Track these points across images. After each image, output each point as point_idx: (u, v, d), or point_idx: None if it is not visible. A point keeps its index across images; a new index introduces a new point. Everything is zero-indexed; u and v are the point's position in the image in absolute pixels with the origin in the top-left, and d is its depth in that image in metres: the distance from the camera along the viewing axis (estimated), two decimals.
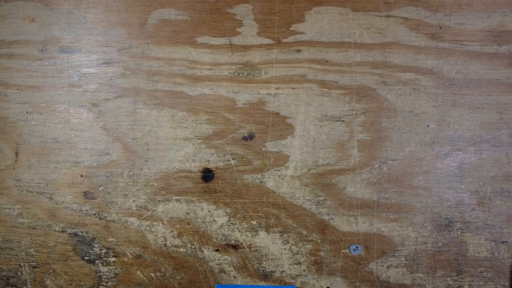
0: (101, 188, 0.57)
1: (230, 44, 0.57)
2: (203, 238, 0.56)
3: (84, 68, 0.58)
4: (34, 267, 0.57)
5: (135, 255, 0.56)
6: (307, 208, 0.56)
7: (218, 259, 0.56)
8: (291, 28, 0.57)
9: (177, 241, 0.56)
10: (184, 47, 0.57)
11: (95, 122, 0.57)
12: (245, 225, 0.56)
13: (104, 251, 0.56)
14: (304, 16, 0.57)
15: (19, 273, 0.57)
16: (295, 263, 0.56)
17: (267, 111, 0.56)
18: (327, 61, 0.56)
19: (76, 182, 0.57)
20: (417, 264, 0.55)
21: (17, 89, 0.58)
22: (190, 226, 0.56)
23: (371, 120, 0.56)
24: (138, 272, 0.56)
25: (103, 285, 0.56)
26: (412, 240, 0.55)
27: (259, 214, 0.56)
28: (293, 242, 0.56)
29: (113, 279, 0.56)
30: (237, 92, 0.57)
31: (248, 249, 0.56)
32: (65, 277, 0.57)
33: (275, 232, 0.56)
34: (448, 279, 0.55)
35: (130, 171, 0.57)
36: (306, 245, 0.56)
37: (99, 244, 0.56)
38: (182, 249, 0.56)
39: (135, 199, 0.56)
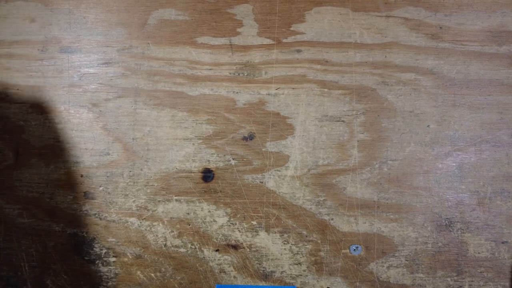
0: (101, 188, 0.57)
1: (230, 44, 0.57)
2: (203, 238, 0.56)
3: (84, 68, 0.58)
4: (34, 267, 0.57)
5: (135, 255, 0.56)
6: (307, 208, 0.56)
7: (218, 259, 0.56)
8: (291, 28, 0.57)
9: (177, 241, 0.56)
10: (184, 47, 0.57)
11: (95, 122, 0.57)
12: (245, 225, 0.56)
13: (104, 251, 0.56)
14: (304, 16, 0.57)
15: (19, 273, 0.57)
16: (295, 263, 0.56)
17: (267, 111, 0.56)
18: (327, 61, 0.56)
19: (76, 182, 0.57)
20: (417, 264, 0.55)
21: (17, 89, 0.58)
22: (190, 226, 0.56)
23: (371, 120, 0.56)
24: (138, 272, 0.56)
25: (103, 285, 0.56)
26: (412, 240, 0.55)
27: (259, 214, 0.56)
28: (293, 242, 0.56)
29: (113, 279, 0.56)
30: (237, 92, 0.57)
31: (248, 249, 0.56)
32: (65, 277, 0.57)
33: (275, 232, 0.56)
34: (448, 279, 0.55)
35: (130, 171, 0.57)
36: (306, 245, 0.56)
37: (99, 244, 0.56)
38: (182, 249, 0.56)
39: (135, 199, 0.57)
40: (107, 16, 0.58)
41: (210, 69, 0.57)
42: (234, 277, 0.56)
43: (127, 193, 0.57)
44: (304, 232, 0.56)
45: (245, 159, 0.56)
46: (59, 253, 0.57)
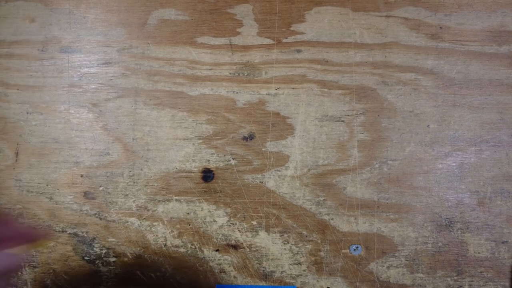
0: (101, 188, 0.57)
1: (230, 44, 0.57)
2: (203, 238, 0.56)
3: (84, 68, 0.58)
4: (34, 267, 0.57)
5: (135, 255, 0.56)
6: (307, 208, 0.56)
7: (218, 259, 0.56)
8: (291, 28, 0.57)
9: (177, 241, 0.56)
10: (184, 47, 0.57)
11: (95, 122, 0.57)
12: (245, 225, 0.56)
13: (104, 251, 0.56)
14: (304, 16, 0.57)
15: (19, 273, 0.57)
16: (295, 263, 0.56)
17: (267, 111, 0.56)
18: (327, 61, 0.56)
19: (76, 182, 0.57)
20: (417, 264, 0.55)
21: (17, 89, 0.58)
22: (190, 226, 0.56)
23: (371, 120, 0.56)
24: (138, 272, 0.56)
25: (103, 285, 0.56)
26: (412, 240, 0.55)
27: (259, 214, 0.56)
28: (293, 242, 0.56)
29: (113, 279, 0.56)
30: (237, 92, 0.57)
31: (248, 249, 0.56)
32: (65, 277, 0.57)
33: (275, 232, 0.56)
34: (449, 279, 0.55)
35: (130, 171, 0.57)
36: (306, 245, 0.56)
37: (99, 244, 0.56)
38: (182, 249, 0.56)
39: (135, 199, 0.57)
40: (107, 16, 0.58)
41: (210, 69, 0.57)
42: (234, 277, 0.56)
43: (127, 193, 0.57)
44: (304, 232, 0.56)
45: (245, 159, 0.56)
46: (59, 253, 0.57)
